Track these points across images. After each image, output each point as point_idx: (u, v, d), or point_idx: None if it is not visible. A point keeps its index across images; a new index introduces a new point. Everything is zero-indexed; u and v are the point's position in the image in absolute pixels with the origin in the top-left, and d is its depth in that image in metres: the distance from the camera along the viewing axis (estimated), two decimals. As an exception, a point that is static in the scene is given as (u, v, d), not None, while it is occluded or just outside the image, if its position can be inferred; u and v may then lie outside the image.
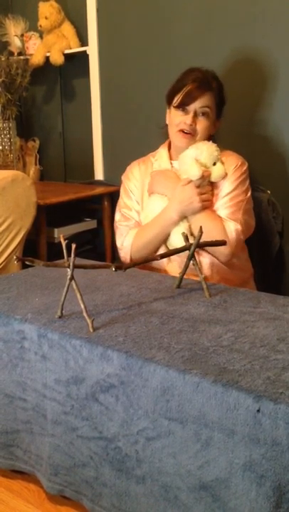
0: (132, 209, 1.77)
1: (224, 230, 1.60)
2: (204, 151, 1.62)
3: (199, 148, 1.63)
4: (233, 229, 1.61)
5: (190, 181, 1.62)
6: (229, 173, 1.66)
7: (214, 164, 1.63)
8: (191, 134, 1.66)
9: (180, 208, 1.62)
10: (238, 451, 0.82)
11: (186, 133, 1.66)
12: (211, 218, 1.62)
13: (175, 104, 1.67)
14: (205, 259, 1.63)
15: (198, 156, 1.62)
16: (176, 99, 1.67)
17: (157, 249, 1.67)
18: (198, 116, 1.66)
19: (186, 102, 1.65)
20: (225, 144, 1.74)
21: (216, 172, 1.63)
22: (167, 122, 1.74)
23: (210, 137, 1.70)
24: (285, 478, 0.78)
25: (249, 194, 1.69)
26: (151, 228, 1.68)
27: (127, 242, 1.72)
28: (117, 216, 1.80)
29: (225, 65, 2.16)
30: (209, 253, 1.63)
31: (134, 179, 1.78)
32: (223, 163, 1.65)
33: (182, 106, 1.66)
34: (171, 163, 1.74)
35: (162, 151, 1.77)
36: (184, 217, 1.64)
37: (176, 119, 1.68)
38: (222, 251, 1.59)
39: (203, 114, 1.65)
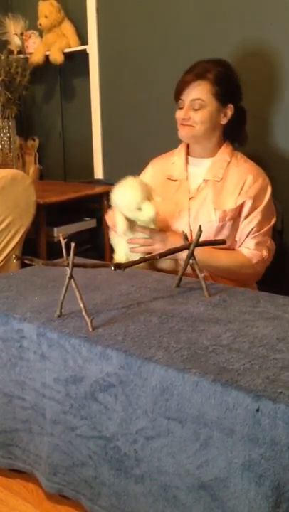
0: None
1: (251, 265, 1.63)
2: (123, 203, 1.50)
3: (121, 198, 1.51)
4: (257, 261, 1.63)
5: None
6: (259, 197, 1.62)
7: (140, 209, 1.51)
8: (189, 126, 1.64)
9: None
10: (237, 451, 0.82)
11: (184, 125, 1.64)
12: (233, 258, 1.62)
13: (174, 98, 1.67)
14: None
15: (121, 209, 1.51)
16: (174, 92, 1.67)
17: None
18: (192, 109, 1.62)
19: (177, 94, 1.64)
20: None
21: (142, 217, 1.52)
22: None
23: (219, 127, 1.66)
24: (284, 478, 0.78)
25: (275, 218, 1.69)
26: None
27: None
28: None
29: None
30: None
31: (146, 175, 1.78)
32: (150, 194, 1.54)
33: (176, 98, 1.65)
34: (187, 159, 1.71)
35: (181, 148, 1.75)
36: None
37: (176, 114, 1.67)
38: (246, 278, 1.65)
39: (197, 106, 1.61)
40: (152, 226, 1.56)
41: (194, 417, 0.86)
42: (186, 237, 1.31)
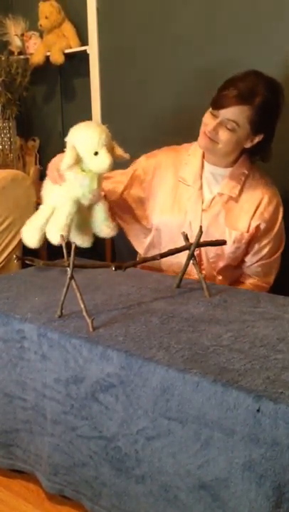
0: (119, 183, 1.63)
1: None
2: (82, 139, 1.33)
3: (80, 132, 1.34)
4: (262, 291, 1.59)
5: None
6: (273, 220, 1.57)
7: (96, 154, 1.35)
8: (212, 140, 1.52)
9: None
10: (238, 451, 0.82)
11: (207, 135, 1.51)
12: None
13: (210, 102, 1.52)
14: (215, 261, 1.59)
15: (76, 144, 1.33)
16: (213, 98, 1.52)
17: None
18: (223, 126, 1.49)
19: (215, 106, 1.50)
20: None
21: (95, 165, 1.35)
22: None
23: (242, 150, 1.56)
24: (284, 478, 0.78)
25: (284, 242, 1.63)
26: None
27: None
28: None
29: (225, 64, 2.16)
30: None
31: (156, 161, 1.65)
32: (112, 149, 1.40)
33: (212, 106, 1.51)
34: (202, 163, 1.61)
35: (197, 147, 1.62)
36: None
37: (205, 118, 1.54)
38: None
39: (230, 126, 1.48)
40: (95, 183, 1.39)
41: (195, 417, 0.86)
42: (186, 237, 1.31)
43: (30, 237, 1.41)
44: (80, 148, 1.34)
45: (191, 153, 1.64)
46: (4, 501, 1.14)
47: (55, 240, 1.33)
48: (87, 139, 1.34)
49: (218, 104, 1.49)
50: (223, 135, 1.50)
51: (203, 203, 1.58)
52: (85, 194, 1.37)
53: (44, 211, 1.43)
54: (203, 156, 1.62)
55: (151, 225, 1.66)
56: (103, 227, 1.46)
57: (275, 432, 0.78)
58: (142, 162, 1.68)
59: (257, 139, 1.54)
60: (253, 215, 1.56)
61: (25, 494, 1.16)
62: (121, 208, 1.66)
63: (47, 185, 1.47)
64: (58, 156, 1.44)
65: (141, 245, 1.71)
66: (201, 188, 1.60)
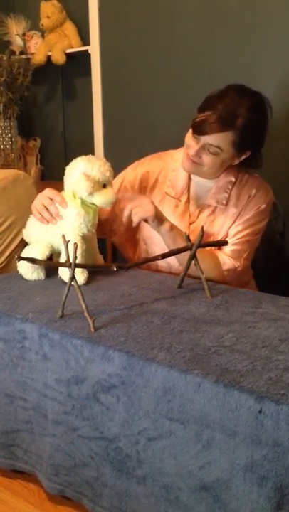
0: None
1: (221, 270, 1.49)
2: (95, 167, 1.35)
3: (91, 162, 1.36)
4: (227, 268, 1.49)
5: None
6: (249, 209, 1.51)
7: (104, 186, 1.37)
8: (196, 163, 1.46)
9: None
10: (240, 452, 0.82)
11: (191, 159, 1.46)
12: (208, 256, 1.46)
13: (191, 124, 1.45)
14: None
15: (88, 171, 1.35)
16: (194, 120, 1.44)
17: None
18: (205, 150, 1.43)
19: (195, 131, 1.43)
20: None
21: (103, 198, 1.36)
22: None
23: (229, 164, 1.50)
24: (286, 480, 0.78)
25: (260, 235, 1.57)
26: None
27: None
28: None
29: (226, 64, 2.16)
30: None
31: (142, 172, 1.61)
32: (112, 186, 1.41)
33: (193, 130, 1.43)
34: (189, 174, 1.55)
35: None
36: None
37: (187, 139, 1.48)
38: (211, 280, 1.44)
39: (212, 151, 1.42)
40: (96, 217, 1.40)
41: (196, 418, 0.86)
42: (188, 238, 1.31)
43: (31, 274, 1.41)
44: (95, 176, 1.35)
45: (178, 160, 1.57)
46: (5, 501, 1.14)
47: (80, 280, 1.31)
48: (100, 170, 1.35)
49: (198, 130, 1.42)
50: (207, 159, 1.45)
51: (190, 216, 1.56)
52: (89, 229, 1.37)
53: (43, 249, 1.39)
54: None
55: (141, 235, 1.63)
56: (95, 259, 1.45)
57: (277, 433, 0.78)
58: (128, 174, 1.64)
59: (244, 156, 1.49)
60: (235, 220, 1.52)
61: (26, 494, 1.16)
62: (110, 225, 1.61)
63: (34, 224, 1.43)
64: (40, 197, 1.42)
65: (130, 259, 1.69)
66: (188, 201, 1.56)
